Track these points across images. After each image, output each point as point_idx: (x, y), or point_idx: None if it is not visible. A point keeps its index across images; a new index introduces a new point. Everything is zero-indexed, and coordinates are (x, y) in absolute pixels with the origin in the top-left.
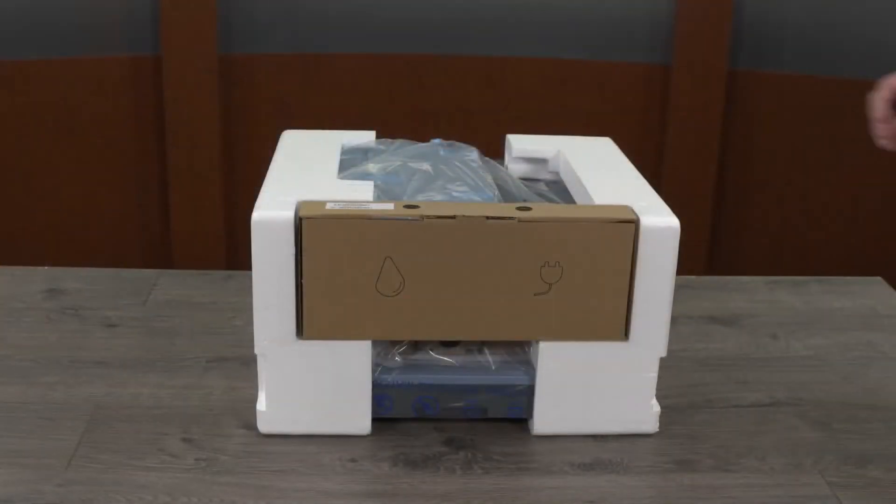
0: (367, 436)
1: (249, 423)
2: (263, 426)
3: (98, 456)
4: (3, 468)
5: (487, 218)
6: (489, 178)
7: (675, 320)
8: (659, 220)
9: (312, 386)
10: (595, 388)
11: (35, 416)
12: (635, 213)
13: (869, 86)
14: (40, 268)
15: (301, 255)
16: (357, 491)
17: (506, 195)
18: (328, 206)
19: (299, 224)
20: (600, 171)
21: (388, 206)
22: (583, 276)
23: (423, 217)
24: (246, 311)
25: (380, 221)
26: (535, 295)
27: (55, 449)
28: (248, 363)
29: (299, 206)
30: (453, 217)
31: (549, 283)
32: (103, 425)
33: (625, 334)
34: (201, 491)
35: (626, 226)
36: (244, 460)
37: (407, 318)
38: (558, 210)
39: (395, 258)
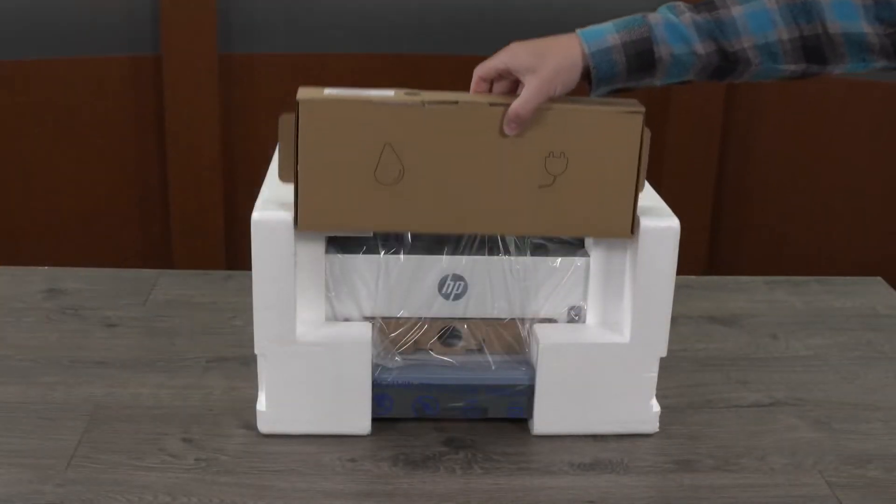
0: (367, 436)
1: (249, 423)
2: (263, 426)
3: (98, 456)
4: (3, 468)
5: (491, 104)
6: None
7: (675, 320)
8: (659, 221)
9: (312, 386)
10: (595, 388)
11: (35, 416)
12: (642, 106)
13: (870, 85)
14: (40, 268)
15: (297, 141)
16: (357, 491)
17: None
18: (326, 92)
19: (297, 108)
20: None
21: (389, 93)
22: (589, 169)
23: (424, 103)
24: (246, 311)
25: (379, 106)
26: (539, 187)
27: (55, 449)
28: (248, 363)
29: (298, 93)
30: (455, 102)
31: (554, 175)
32: (103, 425)
33: (631, 230)
34: (201, 491)
35: (634, 116)
36: (244, 460)
37: (406, 208)
38: (565, 100)
39: (394, 145)
